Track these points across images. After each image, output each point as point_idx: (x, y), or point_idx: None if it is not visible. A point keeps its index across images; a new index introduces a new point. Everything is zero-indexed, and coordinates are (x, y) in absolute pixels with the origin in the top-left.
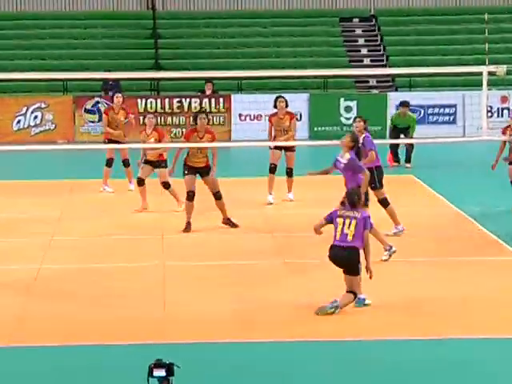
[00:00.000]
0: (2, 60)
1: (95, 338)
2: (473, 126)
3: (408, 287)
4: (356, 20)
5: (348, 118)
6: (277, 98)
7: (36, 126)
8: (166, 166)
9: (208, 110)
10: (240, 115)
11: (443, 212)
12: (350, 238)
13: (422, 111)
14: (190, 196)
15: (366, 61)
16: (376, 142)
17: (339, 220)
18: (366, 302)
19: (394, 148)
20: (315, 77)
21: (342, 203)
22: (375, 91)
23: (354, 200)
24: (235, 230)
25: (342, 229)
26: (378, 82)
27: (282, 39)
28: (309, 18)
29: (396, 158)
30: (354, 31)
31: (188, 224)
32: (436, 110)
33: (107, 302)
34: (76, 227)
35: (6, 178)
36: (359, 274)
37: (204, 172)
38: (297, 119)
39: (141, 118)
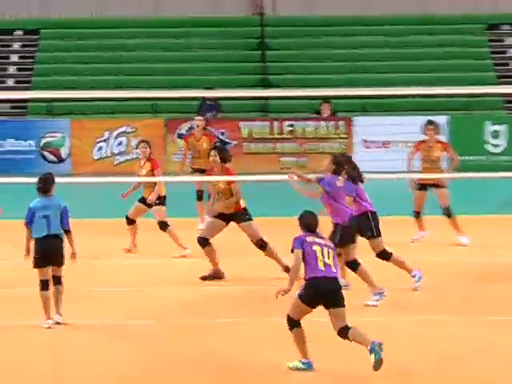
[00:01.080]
0: (80, 75)
1: None
2: None
3: None
4: (506, 27)
5: (496, 146)
6: (426, 123)
7: (120, 153)
8: (163, 204)
9: (325, 134)
10: (364, 141)
11: None
12: (333, 268)
13: None
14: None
15: None
16: None
17: (316, 248)
18: None
19: None
20: (456, 95)
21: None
22: None
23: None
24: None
25: (323, 259)
26: None
27: (416, 50)
28: (448, 25)
29: None
30: (504, 40)
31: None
32: None
33: None
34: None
35: (84, 215)
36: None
37: (236, 218)
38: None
39: (244, 144)
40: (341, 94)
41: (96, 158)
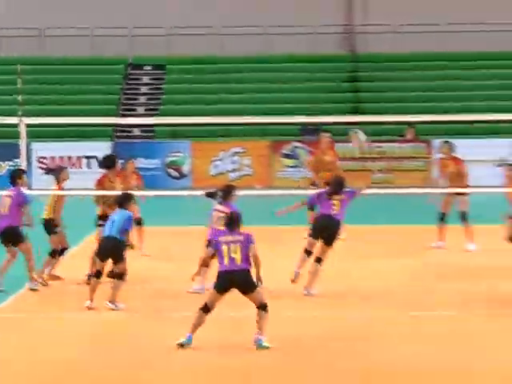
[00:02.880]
0: (200, 104)
1: None
2: None
3: None
4: None
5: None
6: (444, 142)
7: (234, 171)
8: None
9: (408, 154)
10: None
11: None
12: (238, 262)
13: None
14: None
15: None
16: None
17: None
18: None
19: None
20: None
21: None
22: None
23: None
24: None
25: (229, 254)
26: None
27: (486, 82)
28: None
29: None
30: None
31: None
32: None
33: None
34: None
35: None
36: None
37: None
38: None
39: (342, 163)
40: (422, 120)
41: (213, 173)
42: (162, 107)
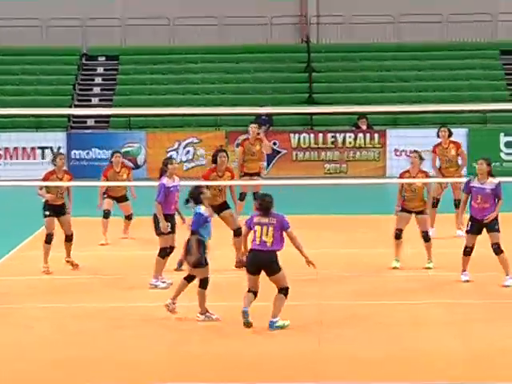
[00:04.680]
0: (155, 95)
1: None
2: None
3: None
4: None
5: (509, 154)
6: (440, 127)
7: (188, 161)
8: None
9: (363, 145)
10: (395, 150)
11: None
12: (269, 244)
13: None
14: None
15: None
16: None
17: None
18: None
19: None
20: (474, 111)
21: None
22: None
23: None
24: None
25: (260, 236)
26: None
27: (440, 72)
28: (468, 50)
29: None
30: None
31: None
32: None
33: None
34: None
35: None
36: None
37: (222, 208)
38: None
39: (294, 153)
40: (376, 111)
41: None
42: (115, 98)
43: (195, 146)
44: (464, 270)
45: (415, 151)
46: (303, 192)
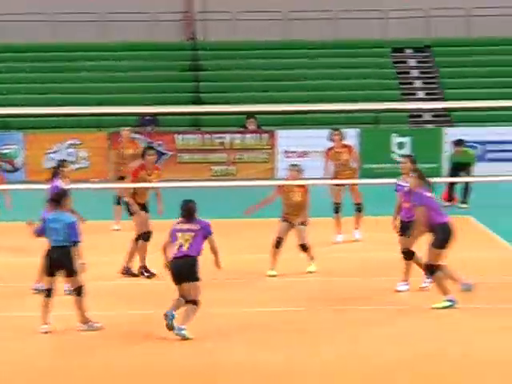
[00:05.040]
0: (34, 94)
1: None
2: None
3: (469, 337)
4: (409, 51)
5: (401, 155)
6: (332, 131)
7: (70, 163)
8: None
9: (251, 146)
10: (285, 152)
11: (505, 256)
12: (185, 248)
13: (481, 148)
14: (147, 236)
15: (420, 94)
16: (433, 180)
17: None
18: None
19: (451, 186)
20: (366, 111)
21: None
22: (430, 126)
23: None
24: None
25: (180, 243)
26: (433, 116)
27: (330, 71)
28: (359, 48)
29: (452, 197)
30: (407, 63)
31: (144, 267)
32: (496, 147)
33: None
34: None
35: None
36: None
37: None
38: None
39: (179, 155)
40: (265, 110)
41: (47, 167)
42: None
43: (77, 148)
44: (405, 280)
45: (294, 165)
46: (189, 195)
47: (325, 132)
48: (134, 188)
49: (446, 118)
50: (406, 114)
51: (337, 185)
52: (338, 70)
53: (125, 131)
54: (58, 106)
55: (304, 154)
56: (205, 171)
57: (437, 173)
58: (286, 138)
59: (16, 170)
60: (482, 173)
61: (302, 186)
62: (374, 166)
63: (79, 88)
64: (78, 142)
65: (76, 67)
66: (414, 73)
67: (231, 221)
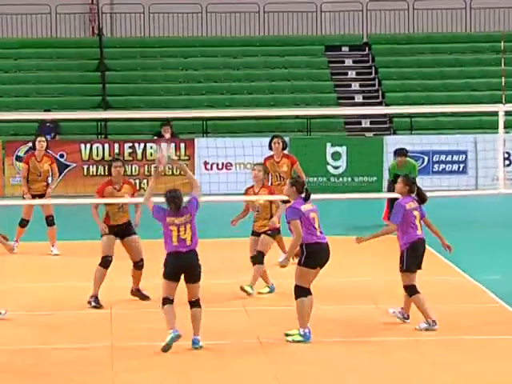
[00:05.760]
0: None
1: None
2: (487, 177)
3: (411, 372)
4: (345, 48)
5: (336, 167)
6: (272, 137)
7: None
8: None
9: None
10: (205, 163)
11: (454, 282)
12: (188, 242)
13: (426, 158)
14: (108, 262)
15: (358, 98)
16: (371, 195)
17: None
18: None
19: (392, 202)
20: (296, 117)
21: None
22: (369, 134)
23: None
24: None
25: (178, 235)
26: (372, 123)
27: (256, 71)
28: (289, 46)
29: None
30: (344, 62)
31: (95, 296)
32: (443, 157)
33: None
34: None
35: None
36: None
37: (126, 231)
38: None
39: (85, 167)
40: (182, 116)
41: None
42: None
43: None
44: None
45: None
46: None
47: (251, 141)
48: (107, 210)
49: (387, 125)
50: (343, 120)
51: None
52: (264, 70)
53: (41, 142)
54: None
55: (227, 165)
56: None
57: (377, 188)
58: (207, 148)
59: None
60: (427, 187)
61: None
62: (308, 179)
63: None
64: None
65: None
66: (352, 74)
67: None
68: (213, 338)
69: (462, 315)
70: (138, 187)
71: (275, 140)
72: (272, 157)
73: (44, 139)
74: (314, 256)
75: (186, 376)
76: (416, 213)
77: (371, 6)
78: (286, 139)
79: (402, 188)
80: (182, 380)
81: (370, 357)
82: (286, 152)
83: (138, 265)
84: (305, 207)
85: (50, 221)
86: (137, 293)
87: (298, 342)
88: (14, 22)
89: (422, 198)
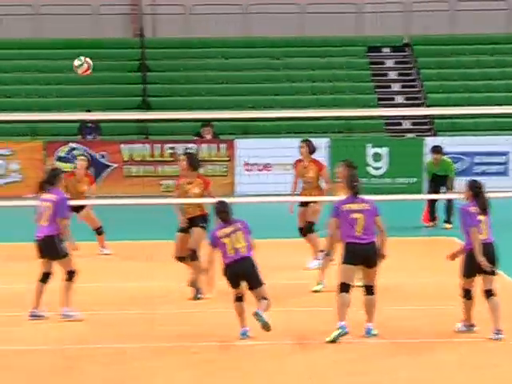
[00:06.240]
0: None
1: None
2: None
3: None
4: (387, 50)
5: (377, 168)
6: (301, 141)
7: None
8: None
9: (207, 157)
10: (246, 164)
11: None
12: (243, 250)
13: (467, 160)
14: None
15: (399, 99)
16: (411, 197)
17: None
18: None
19: (432, 203)
20: (337, 118)
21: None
22: (410, 135)
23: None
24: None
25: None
26: (413, 124)
27: (298, 72)
28: (330, 46)
29: (433, 216)
30: (385, 63)
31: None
32: (484, 159)
33: None
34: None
35: None
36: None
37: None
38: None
39: (125, 167)
40: (223, 117)
41: None
42: None
43: (7, 159)
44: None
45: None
46: (137, 214)
47: (291, 142)
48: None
49: (428, 126)
50: (383, 121)
51: (301, 204)
52: (305, 71)
53: (81, 161)
54: None
55: (267, 166)
56: (154, 186)
57: (417, 189)
58: (247, 149)
59: None
60: None
61: None
62: None
63: (9, 90)
64: (8, 153)
65: (5, 67)
66: (392, 75)
67: None
68: (250, 339)
69: (505, 318)
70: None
71: (301, 144)
72: (302, 161)
73: (85, 158)
74: (349, 254)
75: (222, 376)
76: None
77: (413, 6)
78: (327, 140)
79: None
80: (218, 381)
81: (410, 357)
82: (313, 157)
83: (190, 256)
84: (347, 206)
85: (99, 231)
86: (192, 284)
87: (336, 337)
88: (58, 23)
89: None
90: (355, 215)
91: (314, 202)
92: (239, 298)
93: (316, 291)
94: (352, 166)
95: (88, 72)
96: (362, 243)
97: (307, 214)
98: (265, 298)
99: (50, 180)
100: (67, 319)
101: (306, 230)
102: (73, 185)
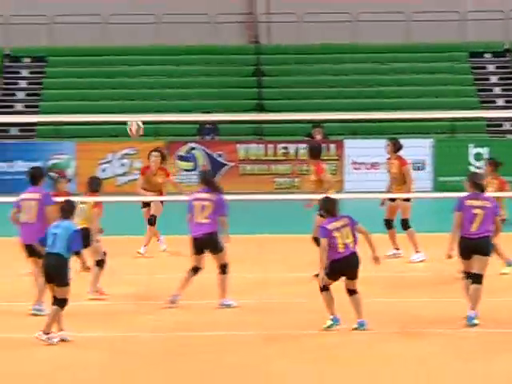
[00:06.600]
0: (86, 101)
1: None
2: None
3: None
4: (488, 55)
5: (478, 167)
6: (388, 140)
7: (123, 174)
8: None
9: None
10: (354, 163)
11: None
12: (352, 245)
13: None
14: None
15: (500, 101)
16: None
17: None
18: None
19: None
20: (441, 119)
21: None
22: (510, 136)
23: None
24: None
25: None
26: None
27: (403, 77)
28: (434, 52)
29: None
30: (486, 68)
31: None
32: None
33: None
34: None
35: None
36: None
37: None
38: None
39: (241, 166)
40: (332, 118)
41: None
42: (42, 104)
43: (131, 158)
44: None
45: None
46: (251, 209)
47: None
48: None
49: None
50: (485, 122)
51: (390, 199)
52: (410, 75)
53: (154, 157)
54: (111, 114)
55: (374, 165)
56: (267, 183)
57: None
58: (355, 149)
59: (68, 180)
60: None
61: None
62: (449, 178)
63: (135, 94)
64: (133, 152)
65: (131, 72)
66: (493, 79)
67: (299, 236)
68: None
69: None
70: (289, 185)
71: (387, 143)
72: (389, 158)
73: (158, 154)
74: (461, 247)
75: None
76: None
77: None
78: (430, 140)
79: None
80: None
81: (430, 349)
82: (398, 154)
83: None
84: (470, 202)
85: (150, 220)
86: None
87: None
88: (178, 31)
89: None
90: (476, 211)
91: (406, 200)
92: (327, 288)
93: (504, 273)
94: (495, 163)
95: (133, 133)
96: (473, 238)
97: (400, 212)
98: (355, 292)
99: (208, 182)
100: (224, 307)
101: (403, 227)
102: (149, 177)
